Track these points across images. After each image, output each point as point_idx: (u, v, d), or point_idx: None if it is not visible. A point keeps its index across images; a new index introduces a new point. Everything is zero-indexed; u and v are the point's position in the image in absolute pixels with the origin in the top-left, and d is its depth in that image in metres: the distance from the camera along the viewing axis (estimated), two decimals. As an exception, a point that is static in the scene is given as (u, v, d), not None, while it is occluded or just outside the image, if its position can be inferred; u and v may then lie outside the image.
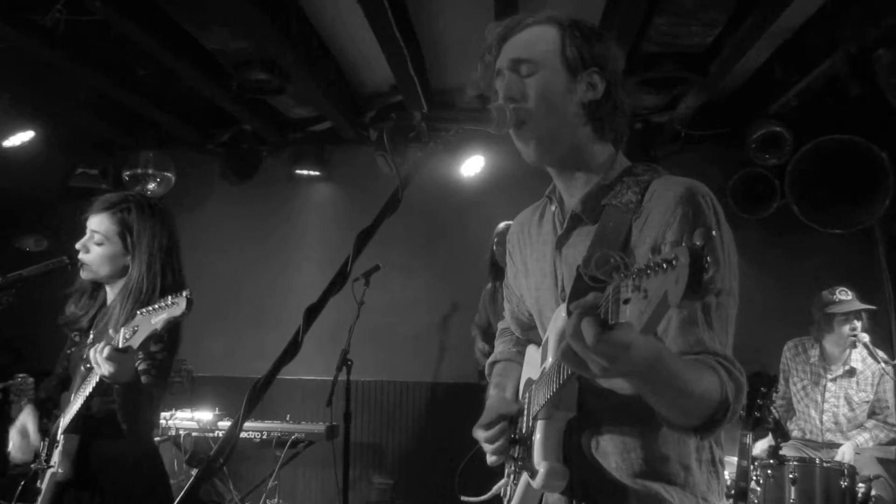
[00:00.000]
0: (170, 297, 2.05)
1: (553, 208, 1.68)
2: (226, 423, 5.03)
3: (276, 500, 5.47)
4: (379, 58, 4.53)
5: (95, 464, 2.37)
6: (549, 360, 1.53)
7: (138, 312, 2.12)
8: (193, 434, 5.01)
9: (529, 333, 1.89)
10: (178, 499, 1.07)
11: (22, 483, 2.43)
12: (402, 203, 1.38)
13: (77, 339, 2.59)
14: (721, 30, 4.10)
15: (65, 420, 2.39)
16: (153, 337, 2.09)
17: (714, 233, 1.37)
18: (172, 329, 2.30)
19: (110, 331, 2.21)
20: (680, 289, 0.90)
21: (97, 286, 2.61)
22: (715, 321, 1.38)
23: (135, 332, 2.08)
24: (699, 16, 3.88)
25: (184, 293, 2.03)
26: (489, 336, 5.12)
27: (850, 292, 4.53)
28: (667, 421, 1.36)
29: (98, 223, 2.48)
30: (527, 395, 1.65)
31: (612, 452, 1.51)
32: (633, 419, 1.48)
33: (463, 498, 1.87)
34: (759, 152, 5.29)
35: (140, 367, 2.30)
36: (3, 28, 3.84)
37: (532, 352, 1.78)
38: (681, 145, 5.71)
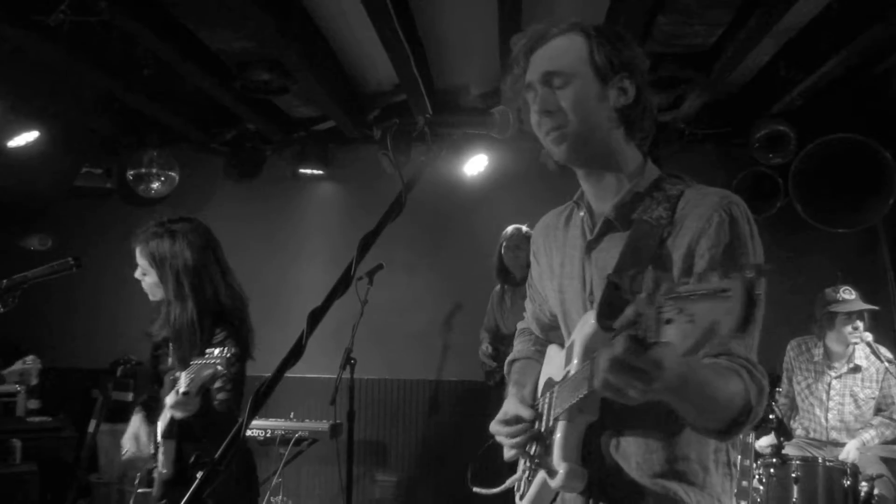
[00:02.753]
0: (218, 353, 2.37)
1: (581, 214, 1.70)
2: (230, 422, 5.05)
3: (280, 497, 5.48)
4: (382, 57, 4.54)
5: (193, 460, 2.68)
6: (574, 362, 1.55)
7: (193, 363, 2.41)
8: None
9: (550, 334, 1.92)
10: (183, 501, 1.08)
11: (138, 476, 2.88)
12: (407, 199, 1.40)
13: (158, 347, 2.91)
14: (725, 29, 4.10)
15: (161, 426, 2.70)
16: (205, 386, 2.41)
17: (753, 260, 1.42)
18: (240, 342, 2.69)
19: (177, 374, 2.49)
20: (732, 321, 0.93)
21: None
22: None
23: (191, 380, 2.37)
24: (703, 15, 3.87)
25: (226, 351, 2.36)
26: (497, 339, 5.13)
27: (853, 291, 4.51)
28: (690, 424, 1.41)
29: (138, 256, 2.78)
30: (548, 394, 1.67)
31: (634, 453, 1.54)
32: (656, 421, 1.50)
33: (475, 489, 1.89)
34: (763, 151, 5.29)
35: (216, 385, 2.58)
36: (8, 28, 3.85)
37: (553, 352, 1.80)
38: (684, 144, 5.70)
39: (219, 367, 2.35)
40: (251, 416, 1.21)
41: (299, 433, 4.97)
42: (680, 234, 1.49)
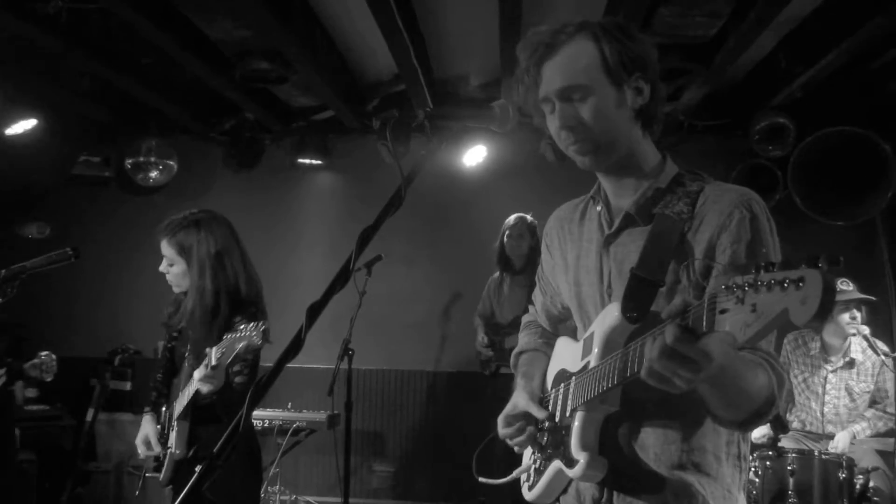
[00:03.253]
0: (252, 326, 2.45)
1: (599, 208, 1.70)
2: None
3: (277, 486, 5.51)
4: (382, 47, 4.52)
5: (203, 443, 2.81)
6: (595, 351, 1.56)
7: (225, 336, 2.50)
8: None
9: (559, 327, 1.93)
10: (181, 496, 1.09)
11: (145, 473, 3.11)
12: (406, 193, 1.40)
13: (176, 335, 3.04)
14: (726, 20, 4.09)
15: (177, 409, 2.82)
16: (237, 359, 2.50)
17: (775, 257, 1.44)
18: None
19: (206, 349, 2.56)
20: (809, 310, 0.95)
21: None
22: None
23: (223, 353, 2.45)
24: (704, 6, 3.87)
25: (261, 325, 2.45)
26: (491, 326, 5.14)
27: (850, 283, 4.53)
28: (714, 415, 1.44)
29: (164, 248, 2.89)
30: (561, 385, 1.68)
31: (652, 444, 1.55)
32: (676, 412, 1.52)
33: (480, 479, 1.91)
34: (762, 143, 5.28)
35: (234, 369, 2.69)
36: (5, 16, 3.83)
37: (563, 344, 1.81)
38: (684, 136, 5.69)
39: (254, 338, 2.41)
40: (251, 408, 1.22)
41: (297, 423, 4.99)
42: (700, 230, 1.51)
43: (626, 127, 1.58)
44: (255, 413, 4.96)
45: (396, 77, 5.32)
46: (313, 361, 5.20)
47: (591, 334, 1.60)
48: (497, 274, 5.18)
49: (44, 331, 6.07)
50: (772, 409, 1.40)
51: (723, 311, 1.06)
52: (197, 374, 2.57)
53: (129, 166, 5.99)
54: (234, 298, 2.83)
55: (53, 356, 3.60)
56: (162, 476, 2.90)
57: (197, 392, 2.64)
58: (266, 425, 4.99)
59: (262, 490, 5.32)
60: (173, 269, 2.89)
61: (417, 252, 6.07)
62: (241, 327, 2.49)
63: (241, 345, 2.42)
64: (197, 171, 6.25)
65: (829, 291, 0.94)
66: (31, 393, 5.44)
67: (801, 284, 0.96)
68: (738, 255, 1.45)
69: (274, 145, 6.26)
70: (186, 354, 2.92)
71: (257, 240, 6.20)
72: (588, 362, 1.58)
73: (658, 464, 1.54)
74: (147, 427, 3.02)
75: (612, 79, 1.54)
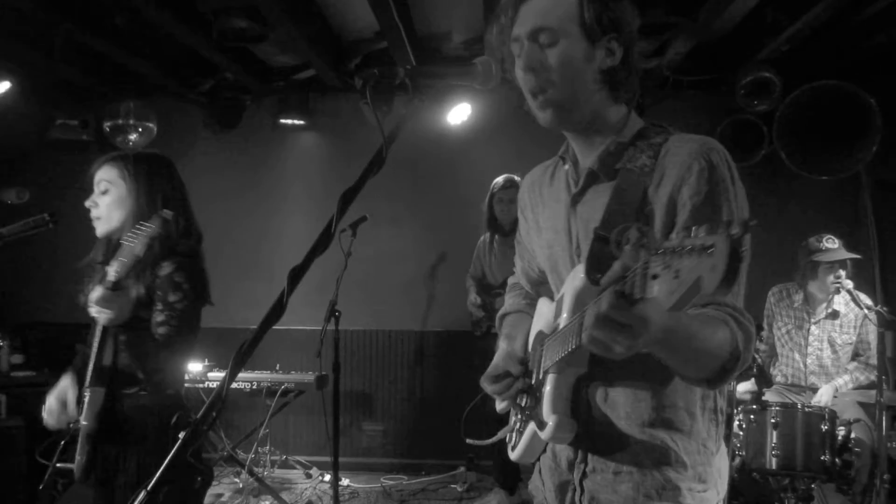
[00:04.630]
0: (148, 222, 2.12)
1: (566, 167, 1.69)
2: (215, 374, 5.07)
3: (267, 447, 5.55)
4: (363, 4, 4.42)
5: (120, 416, 2.37)
6: (564, 316, 1.55)
7: (122, 242, 2.14)
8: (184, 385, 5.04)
9: (540, 288, 1.93)
10: (164, 463, 1.07)
11: (62, 443, 2.42)
12: (388, 153, 1.38)
13: (87, 274, 2.60)
14: (711, -27, 4.03)
15: (88, 373, 2.38)
16: (139, 265, 2.16)
17: (735, 209, 1.44)
18: (193, 278, 2.41)
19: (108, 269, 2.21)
20: (716, 277, 0.93)
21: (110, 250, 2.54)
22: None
23: (123, 263, 2.13)
24: (689, -41, 3.81)
25: (160, 213, 2.12)
26: (483, 287, 5.13)
27: (836, 240, 4.55)
28: (679, 374, 1.43)
29: (101, 173, 2.51)
30: (539, 348, 1.68)
31: (622, 403, 1.56)
32: (643, 371, 1.51)
33: (468, 440, 1.93)
34: (747, 98, 5.25)
35: (158, 319, 2.34)
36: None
37: (543, 305, 1.80)
38: (669, 91, 5.65)
39: (150, 232, 2.08)
40: (234, 374, 1.21)
41: (285, 385, 5.01)
42: (662, 184, 1.49)
43: (591, 85, 1.55)
44: (244, 375, 4.98)
45: (378, 34, 5.23)
46: (300, 323, 5.19)
47: (563, 296, 1.60)
48: (486, 235, 5.15)
49: (28, 297, 6.03)
50: (738, 364, 1.39)
51: (654, 277, 1.04)
52: (93, 295, 2.17)
53: (108, 129, 5.88)
54: (166, 244, 2.39)
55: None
56: (76, 462, 2.33)
57: (103, 348, 2.27)
58: (254, 387, 5.01)
59: (253, 451, 5.38)
60: (107, 196, 2.48)
61: (403, 212, 6.04)
62: (137, 230, 2.14)
63: (139, 241, 2.10)
64: (177, 132, 6.15)
65: (735, 256, 0.92)
66: (17, 359, 5.42)
67: (711, 251, 0.94)
68: (696, 208, 1.44)
69: (254, 105, 6.16)
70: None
71: (239, 201, 6.21)
72: (558, 324, 1.58)
73: (629, 422, 1.55)
74: (66, 384, 2.50)
75: (584, 32, 1.52)
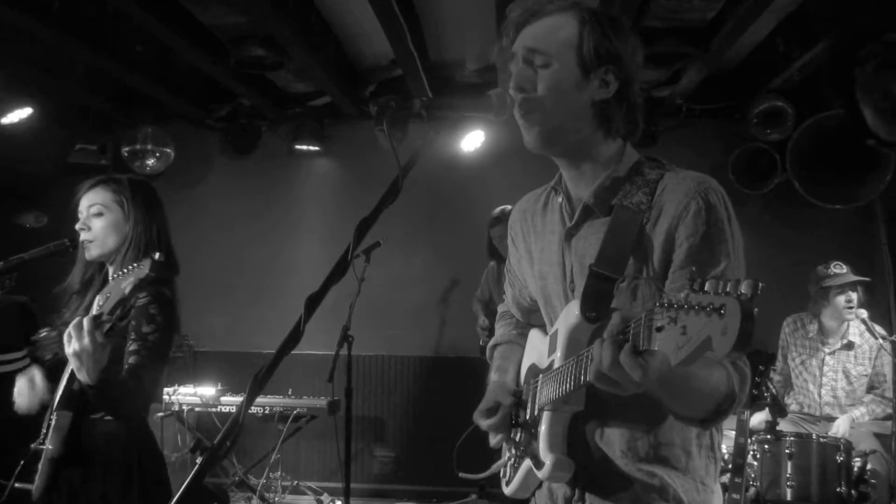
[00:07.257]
0: (139, 262, 2.07)
1: (560, 199, 1.67)
2: (228, 399, 5.07)
3: (279, 473, 5.53)
4: (378, 32, 4.48)
5: (87, 441, 2.31)
6: (558, 354, 1.54)
7: (111, 278, 2.11)
8: (196, 409, 5.05)
9: (531, 317, 1.91)
10: (183, 486, 1.09)
11: (22, 463, 2.33)
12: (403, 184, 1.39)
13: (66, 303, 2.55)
14: (723, 4, 4.07)
15: (56, 396, 2.33)
16: (123, 303, 2.08)
17: (731, 249, 1.44)
18: (166, 310, 2.36)
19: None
20: (729, 341, 0.92)
21: (95, 274, 2.54)
22: None
23: (107, 298, 2.08)
24: (701, -10, 3.85)
25: (152, 255, 2.06)
26: (490, 311, 5.14)
27: (844, 266, 4.55)
28: (674, 414, 1.43)
29: (94, 196, 2.47)
30: (532, 382, 1.67)
31: (618, 440, 1.54)
32: (639, 409, 1.50)
33: (461, 474, 1.91)
34: (760, 127, 5.27)
35: (131, 349, 2.28)
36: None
37: (536, 336, 1.79)
38: (682, 120, 5.68)
39: (140, 274, 2.02)
40: (251, 400, 1.22)
41: (297, 409, 5.01)
42: (659, 222, 1.48)
43: (580, 114, 1.53)
44: (256, 400, 4.97)
45: (393, 62, 5.29)
46: (313, 348, 5.17)
47: (556, 332, 1.59)
48: (492, 262, 5.17)
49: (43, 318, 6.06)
50: (733, 405, 1.39)
51: (659, 329, 1.04)
52: (71, 330, 2.06)
53: (126, 154, 5.97)
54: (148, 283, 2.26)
55: (53, 332, 3.44)
56: (35, 484, 2.27)
57: (74, 374, 2.15)
58: (267, 412, 5.01)
59: (264, 476, 5.37)
60: (101, 219, 2.43)
61: (416, 238, 6.06)
62: (128, 269, 2.09)
63: (128, 281, 2.04)
64: (194, 157, 6.23)
65: (748, 321, 0.91)
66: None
67: (722, 313, 0.94)
68: (693, 248, 1.43)
69: (270, 131, 6.24)
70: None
71: (254, 227, 6.25)
72: (553, 361, 1.57)
73: (626, 460, 1.53)
74: (35, 369, 2.44)
75: (580, 60, 1.51)
